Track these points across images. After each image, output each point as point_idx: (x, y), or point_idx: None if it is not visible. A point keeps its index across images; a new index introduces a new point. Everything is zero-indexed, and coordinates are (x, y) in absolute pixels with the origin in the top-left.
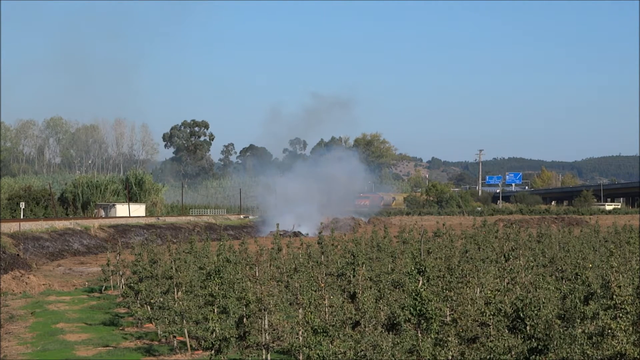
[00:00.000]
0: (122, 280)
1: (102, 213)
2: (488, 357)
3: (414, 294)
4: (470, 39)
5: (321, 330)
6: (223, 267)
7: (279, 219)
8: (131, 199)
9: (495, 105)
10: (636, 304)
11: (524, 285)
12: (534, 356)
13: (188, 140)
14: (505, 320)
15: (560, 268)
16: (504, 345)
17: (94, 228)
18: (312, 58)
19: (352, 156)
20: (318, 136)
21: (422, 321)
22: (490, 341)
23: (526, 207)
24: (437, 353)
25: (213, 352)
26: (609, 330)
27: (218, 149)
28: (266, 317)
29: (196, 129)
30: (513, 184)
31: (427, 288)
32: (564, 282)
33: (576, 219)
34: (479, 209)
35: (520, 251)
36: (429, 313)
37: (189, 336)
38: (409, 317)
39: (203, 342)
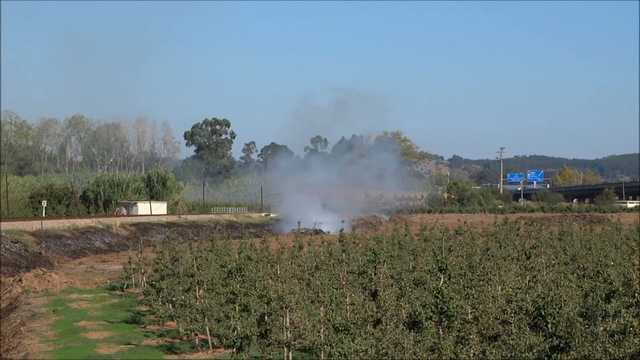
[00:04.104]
0: (144, 278)
1: (124, 211)
2: (510, 355)
3: (435, 291)
4: (490, 37)
5: (342, 328)
6: (244, 265)
7: (301, 216)
8: (153, 197)
9: (517, 103)
10: None
11: (546, 283)
12: (555, 354)
13: (209, 138)
14: (527, 318)
15: (581, 266)
16: (525, 343)
17: (116, 226)
18: (333, 56)
19: (384, 150)
20: (340, 134)
21: (444, 319)
22: (512, 339)
23: (548, 205)
24: (459, 351)
25: (235, 349)
26: (631, 328)
27: (239, 147)
28: (287, 315)
29: (217, 127)
30: (534, 182)
31: (448, 286)
32: (585, 279)
33: (598, 216)
34: (501, 206)
35: (542, 249)
36: (450, 311)
37: (210, 334)
38: (431, 315)
39: (225, 339)
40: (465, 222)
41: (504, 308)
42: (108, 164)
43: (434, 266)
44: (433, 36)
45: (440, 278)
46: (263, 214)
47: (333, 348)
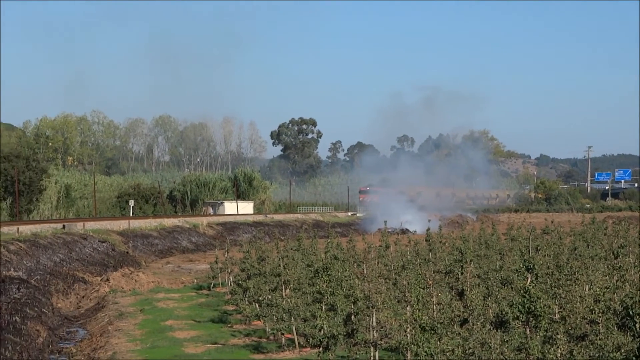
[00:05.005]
0: (231, 278)
1: (211, 211)
2: (597, 355)
3: (522, 291)
4: (575, 35)
5: (429, 328)
6: (331, 265)
7: (387, 216)
8: (239, 196)
9: (605, 102)
10: None
11: (634, 282)
12: None
13: (296, 137)
14: (615, 318)
15: None
16: (613, 343)
17: (203, 226)
18: (421, 54)
19: (474, 148)
20: (427, 132)
21: (531, 319)
22: (600, 339)
23: (636, 204)
24: (546, 351)
25: (321, 349)
26: None
27: (326, 147)
28: (374, 315)
29: (304, 126)
30: (622, 181)
31: (535, 285)
32: None
33: None
34: (588, 206)
35: (630, 248)
36: (537, 311)
37: (297, 333)
38: (518, 314)
39: (311, 339)
40: (552, 222)
41: (591, 308)
42: (195, 163)
43: (521, 265)
44: (521, 34)
45: (528, 277)
46: (349, 214)
47: (420, 347)
